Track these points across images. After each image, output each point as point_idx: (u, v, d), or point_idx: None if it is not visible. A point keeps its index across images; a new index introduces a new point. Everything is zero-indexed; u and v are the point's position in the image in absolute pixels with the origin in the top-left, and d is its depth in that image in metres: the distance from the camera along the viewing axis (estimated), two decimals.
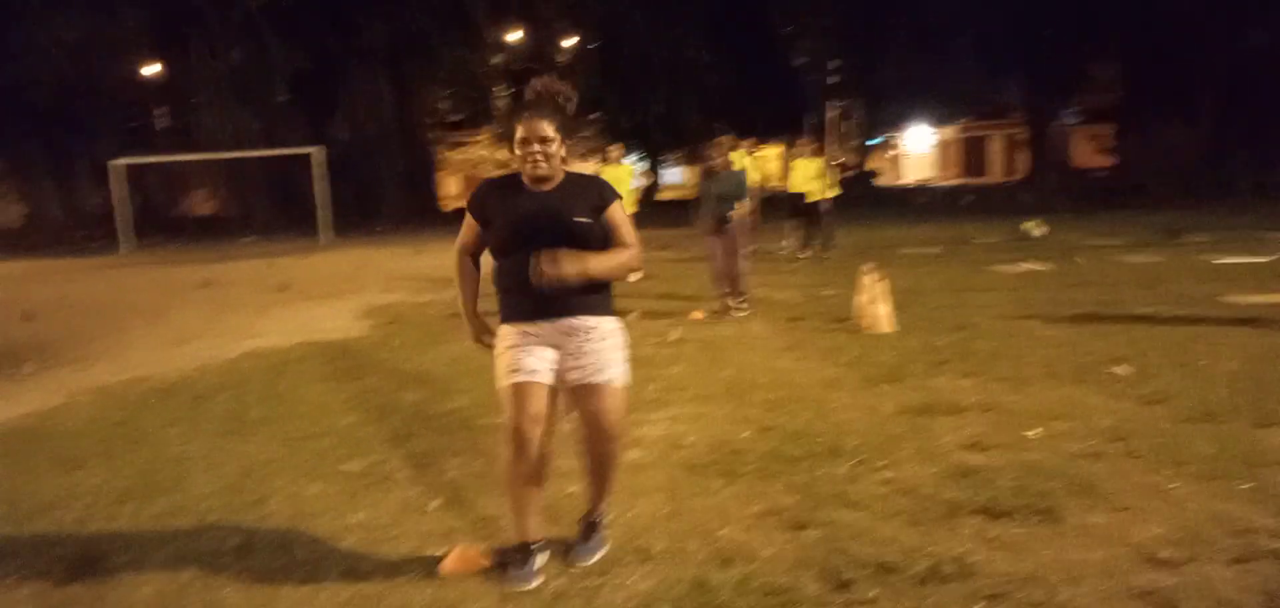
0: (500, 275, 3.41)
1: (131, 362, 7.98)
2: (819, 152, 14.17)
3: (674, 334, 7.94)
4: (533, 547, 3.34)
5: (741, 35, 33.29)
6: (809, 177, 13.90)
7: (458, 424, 5.41)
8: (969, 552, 3.36)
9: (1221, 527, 3.49)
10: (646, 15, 32.00)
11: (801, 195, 14.09)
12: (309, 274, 15.15)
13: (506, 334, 3.35)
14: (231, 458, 4.91)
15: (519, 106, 3.47)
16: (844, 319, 8.22)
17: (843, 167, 36.65)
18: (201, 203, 35.61)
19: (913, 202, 31.05)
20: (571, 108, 3.42)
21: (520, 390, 3.23)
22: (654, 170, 39.85)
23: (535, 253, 3.12)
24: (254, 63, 29.29)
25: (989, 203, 27.05)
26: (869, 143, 40.75)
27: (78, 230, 29.31)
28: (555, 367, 3.29)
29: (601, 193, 3.38)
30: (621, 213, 3.40)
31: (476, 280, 3.61)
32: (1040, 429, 4.79)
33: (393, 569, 3.42)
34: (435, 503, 4.08)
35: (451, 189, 44.55)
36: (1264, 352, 6.30)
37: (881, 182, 41.14)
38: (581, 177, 3.48)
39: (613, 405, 3.29)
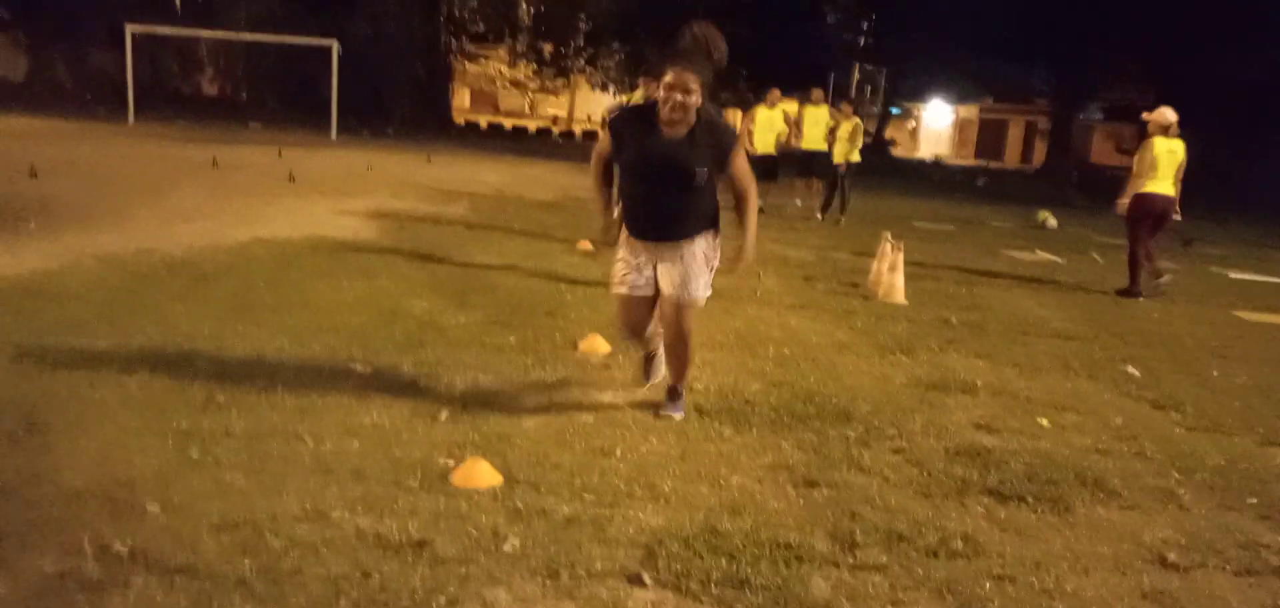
0: (625, 194, 4.07)
1: (137, 232, 7.91)
2: (851, 113, 13.86)
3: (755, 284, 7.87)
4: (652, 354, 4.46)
5: None
6: (827, 136, 13.64)
7: (468, 338, 5.36)
8: (978, 531, 3.34)
9: (1229, 538, 3.48)
10: None
11: (815, 153, 13.87)
12: (318, 169, 15.00)
13: (624, 244, 4.13)
14: (238, 341, 4.87)
15: (671, 50, 3.84)
16: (856, 284, 8.17)
17: (863, 133, 36.31)
18: (211, 82, 35.21)
19: (928, 176, 30.88)
20: (722, 61, 3.83)
21: (625, 303, 4.19)
22: None
23: (737, 258, 4.06)
24: None
25: (1003, 187, 26.92)
26: (891, 111, 40.41)
27: (84, 94, 28.96)
28: (653, 278, 4.10)
29: (724, 143, 3.89)
30: (743, 160, 3.97)
31: (609, 188, 4.21)
32: (1050, 420, 4.77)
33: (402, 473, 3.40)
34: (445, 413, 4.05)
35: (464, 102, 44.12)
36: (1276, 371, 6.28)
37: (898, 152, 40.87)
38: (712, 124, 3.89)
39: (687, 315, 4.07)
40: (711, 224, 4.06)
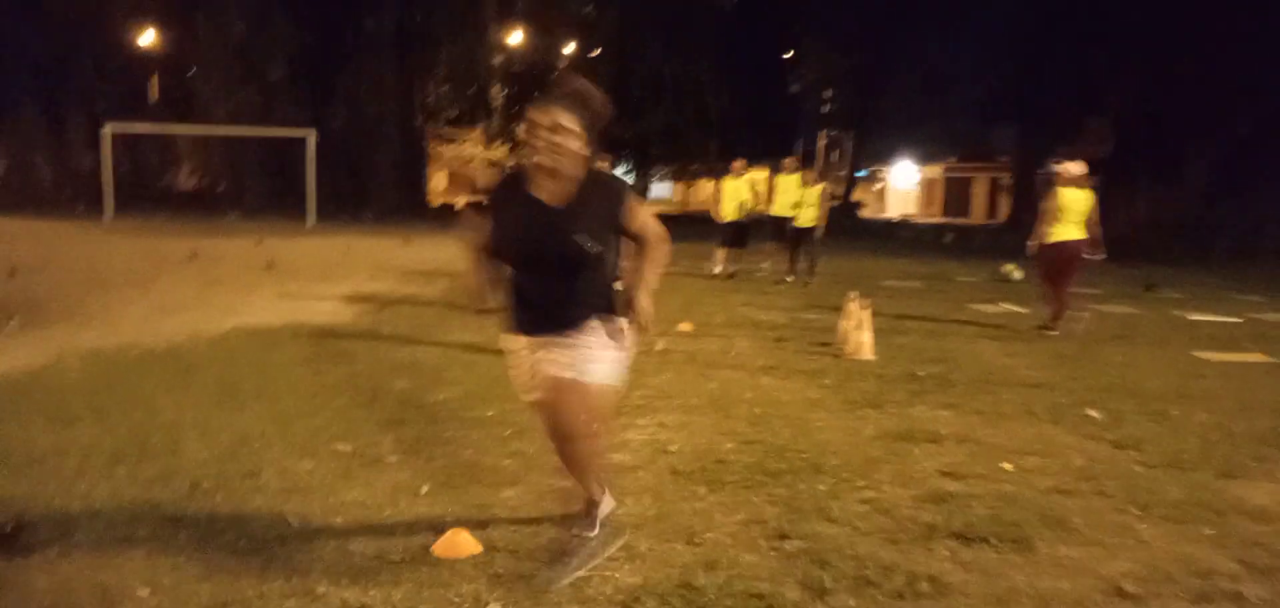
0: (507, 282, 3.40)
1: (120, 327, 8.01)
2: (818, 179, 14.31)
3: (660, 345, 8.05)
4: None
5: (743, 57, 33.68)
6: (798, 202, 14.03)
7: (447, 414, 5.49)
8: (944, 572, 3.48)
9: (1185, 567, 3.63)
10: (654, 31, 32.35)
11: (786, 218, 14.25)
12: (296, 256, 15.16)
13: (514, 343, 3.46)
14: (224, 428, 4.97)
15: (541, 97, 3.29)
16: (826, 344, 8.36)
17: (830, 197, 36.91)
18: (190, 176, 35.42)
19: (896, 235, 31.37)
20: (603, 113, 3.27)
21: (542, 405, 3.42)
22: (643, 180, 40.10)
23: (633, 323, 3.33)
24: (257, 37, 29.18)
25: (970, 243, 27.40)
26: (856, 175, 41.19)
27: (63, 191, 29.08)
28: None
29: (615, 197, 3.27)
30: (640, 208, 3.34)
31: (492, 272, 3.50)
32: (1014, 464, 4.94)
33: (386, 547, 3.51)
34: (426, 487, 4.17)
35: (439, 185, 44.52)
36: (1233, 407, 6.48)
37: (866, 214, 41.53)
38: (599, 181, 3.30)
39: (571, 402, 3.28)
40: (610, 307, 3.38)
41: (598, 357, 3.32)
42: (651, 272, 3.35)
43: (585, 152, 3.21)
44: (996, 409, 6.17)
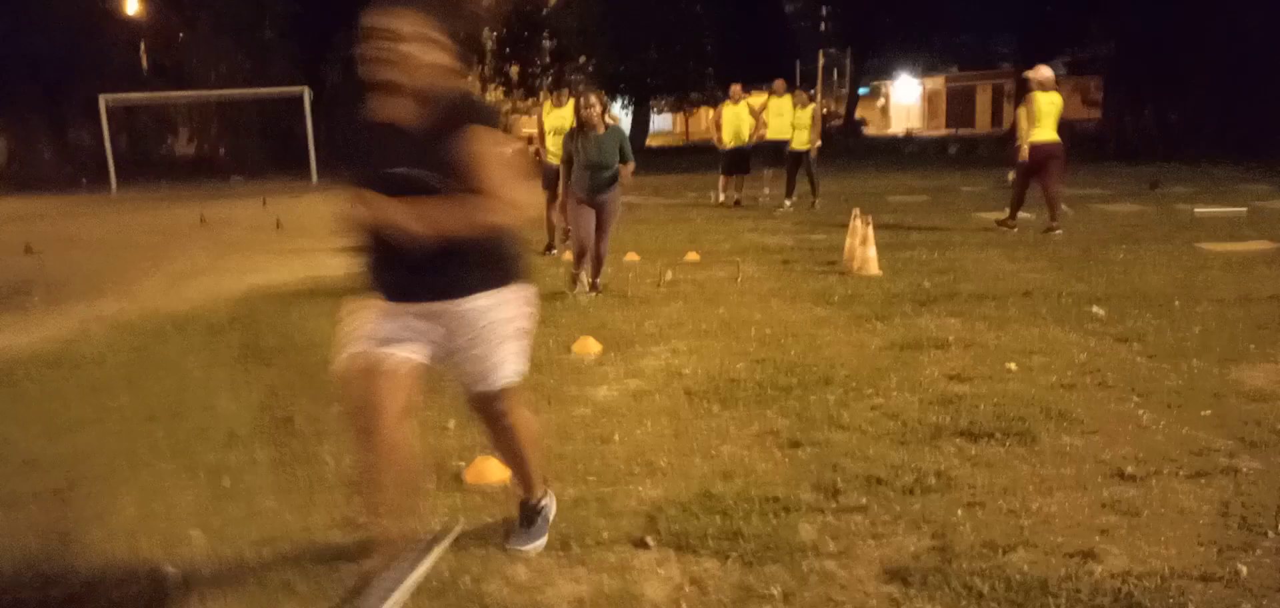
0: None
1: (140, 295, 8.18)
2: (807, 101, 14.26)
3: (669, 275, 8.18)
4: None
5: None
6: (791, 125, 14.01)
7: None
8: (951, 468, 3.65)
9: (1183, 448, 3.79)
10: None
11: (782, 142, 14.23)
12: (303, 214, 15.26)
13: (366, 308, 2.72)
14: (252, 384, 5.15)
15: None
16: (833, 263, 8.49)
17: (827, 116, 36.78)
18: (188, 143, 35.43)
19: (900, 151, 31.26)
20: (469, 23, 2.70)
21: (354, 378, 2.63)
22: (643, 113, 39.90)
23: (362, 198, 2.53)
24: (248, 2, 29.02)
25: (974, 153, 27.33)
26: (859, 92, 40.92)
27: (64, 168, 29.16)
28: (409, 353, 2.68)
29: (460, 120, 2.53)
30: (486, 146, 2.54)
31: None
32: (1018, 363, 5.08)
33: (419, 478, 3.68)
34: (452, 422, 4.34)
35: None
36: (1235, 296, 6.61)
37: (870, 131, 41.32)
38: (456, 103, 2.59)
39: (501, 406, 2.82)
40: (506, 272, 2.72)
41: (496, 340, 2.70)
42: (455, 216, 2.50)
43: (444, 63, 2.59)
44: (1001, 314, 6.30)
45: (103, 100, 23.62)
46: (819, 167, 14.22)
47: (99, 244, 12.49)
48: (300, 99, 24.77)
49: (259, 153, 29.37)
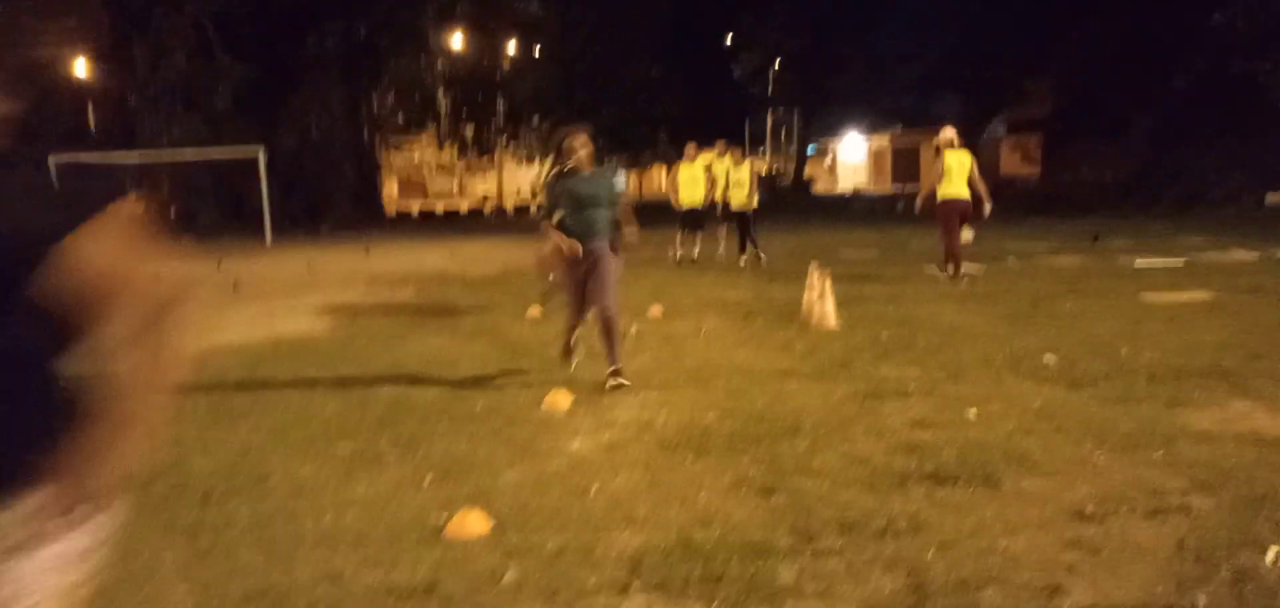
0: None
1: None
2: (740, 159, 14.36)
3: (634, 329, 8.28)
4: None
5: (688, 44, 34.03)
6: (734, 184, 14.07)
7: (437, 412, 5.67)
8: (920, 511, 3.78)
9: (1138, 489, 3.96)
10: (597, 28, 32.61)
11: (726, 203, 14.27)
12: (260, 275, 15.15)
13: None
14: (223, 442, 5.13)
15: None
16: (793, 317, 8.66)
17: (776, 174, 37.31)
18: (137, 203, 34.92)
19: (849, 208, 31.88)
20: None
21: None
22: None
23: None
24: (199, 69, 28.91)
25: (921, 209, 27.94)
26: (807, 150, 41.76)
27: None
28: None
29: None
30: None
31: None
32: (977, 410, 5.26)
33: (399, 535, 3.71)
34: (429, 478, 4.37)
35: (393, 192, 44.34)
36: (1179, 345, 6.88)
37: (818, 189, 42.10)
38: None
39: None
40: None
41: None
42: None
43: None
44: (958, 364, 6.50)
45: (52, 160, 23.24)
46: (757, 224, 14.18)
47: None
48: (254, 161, 24.64)
49: (210, 216, 29.07)
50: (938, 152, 10.93)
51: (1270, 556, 3.23)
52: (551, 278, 7.22)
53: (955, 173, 10.77)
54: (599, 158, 5.16)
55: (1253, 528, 3.48)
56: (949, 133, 11.12)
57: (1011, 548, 3.40)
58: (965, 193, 10.79)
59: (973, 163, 10.91)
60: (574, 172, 6.18)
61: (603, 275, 6.09)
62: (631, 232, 6.66)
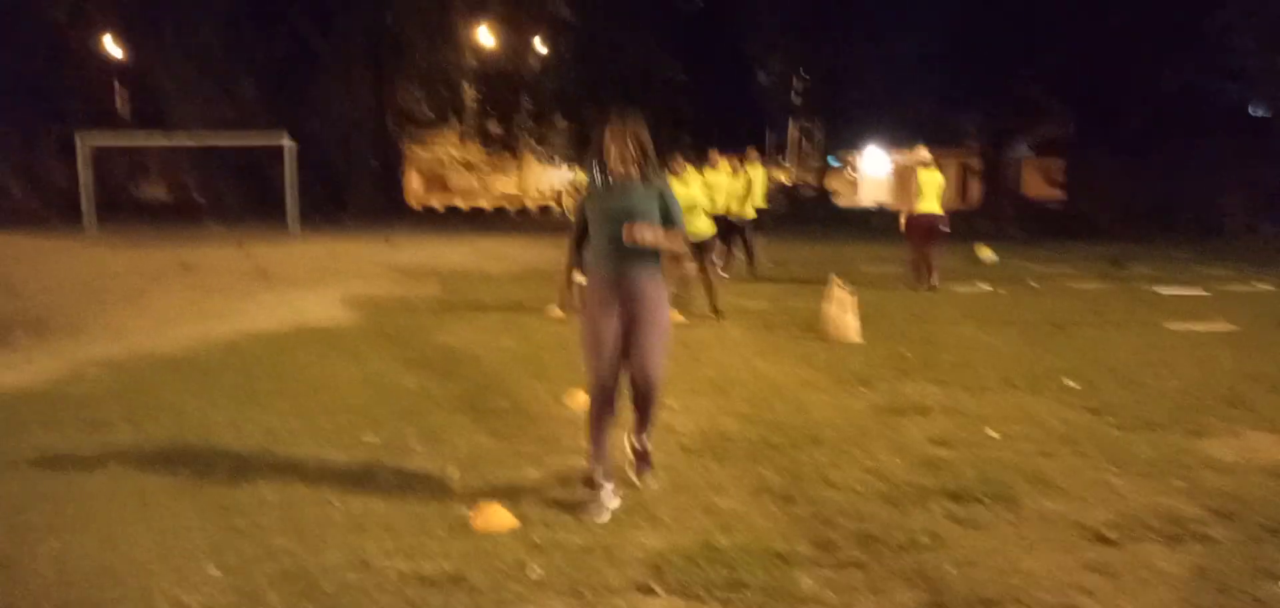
0: None
1: (129, 337, 8.19)
2: (737, 168, 14.17)
3: None
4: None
5: (709, 50, 34.05)
6: (732, 195, 13.85)
7: (463, 405, 5.76)
8: (940, 528, 3.82)
9: (1158, 515, 3.98)
10: (622, 31, 32.71)
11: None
12: (285, 263, 15.30)
13: None
14: (253, 426, 5.22)
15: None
16: (812, 327, 8.69)
17: (798, 185, 37.13)
18: (160, 187, 35.24)
19: (871, 222, 31.81)
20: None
21: None
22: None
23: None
24: (228, 50, 29.18)
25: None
26: (829, 162, 41.74)
27: (32, 205, 28.87)
28: None
29: None
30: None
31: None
32: (998, 431, 5.28)
33: (427, 524, 3.79)
34: (456, 471, 4.44)
35: (415, 186, 44.54)
36: (1201, 375, 6.87)
37: (840, 202, 42.00)
38: None
39: None
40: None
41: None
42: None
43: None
44: (979, 382, 6.53)
45: (79, 140, 23.53)
46: (755, 234, 13.86)
47: (81, 285, 12.41)
48: (280, 150, 24.82)
49: (234, 200, 29.30)
50: (913, 169, 11.85)
51: None
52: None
53: (929, 191, 11.70)
54: (652, 160, 4.06)
55: (1273, 559, 3.51)
56: (924, 153, 12.02)
57: (1031, 568, 3.44)
58: (939, 209, 11.76)
59: (943, 182, 11.95)
60: (608, 181, 4.12)
61: (645, 325, 4.10)
62: (684, 269, 5.64)
